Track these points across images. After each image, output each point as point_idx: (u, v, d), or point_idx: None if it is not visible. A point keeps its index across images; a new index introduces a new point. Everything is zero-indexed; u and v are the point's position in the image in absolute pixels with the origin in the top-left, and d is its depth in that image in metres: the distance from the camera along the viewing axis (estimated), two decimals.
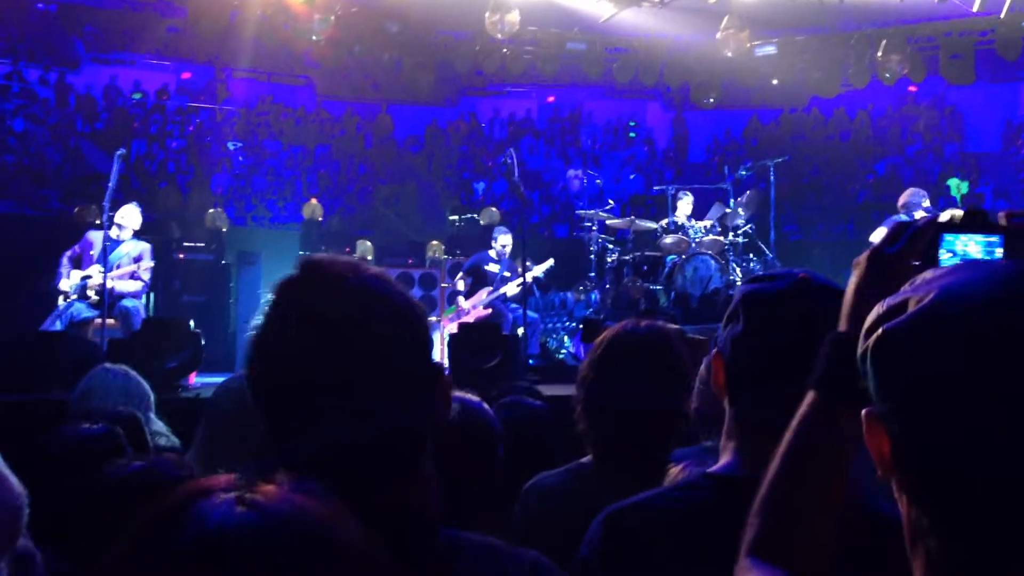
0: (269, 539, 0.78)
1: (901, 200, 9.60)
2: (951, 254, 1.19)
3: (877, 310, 0.92)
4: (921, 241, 1.19)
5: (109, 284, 7.74)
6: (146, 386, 3.91)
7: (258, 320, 1.29)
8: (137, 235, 8.67)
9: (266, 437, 1.25)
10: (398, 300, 1.28)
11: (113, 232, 8.33)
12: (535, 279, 10.43)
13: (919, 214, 9.33)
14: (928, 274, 0.93)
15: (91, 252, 8.36)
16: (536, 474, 2.55)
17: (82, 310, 8.14)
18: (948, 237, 1.19)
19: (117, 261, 8.28)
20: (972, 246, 1.19)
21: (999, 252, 1.19)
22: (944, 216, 1.22)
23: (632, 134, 20.08)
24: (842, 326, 1.21)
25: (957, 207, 15.88)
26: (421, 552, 1.22)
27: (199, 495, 0.82)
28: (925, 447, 0.84)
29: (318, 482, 0.90)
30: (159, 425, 3.80)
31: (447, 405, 1.33)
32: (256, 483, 0.85)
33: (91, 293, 8.14)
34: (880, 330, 0.88)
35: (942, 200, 15.64)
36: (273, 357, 1.25)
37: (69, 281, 8.23)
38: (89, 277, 8.18)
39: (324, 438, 1.21)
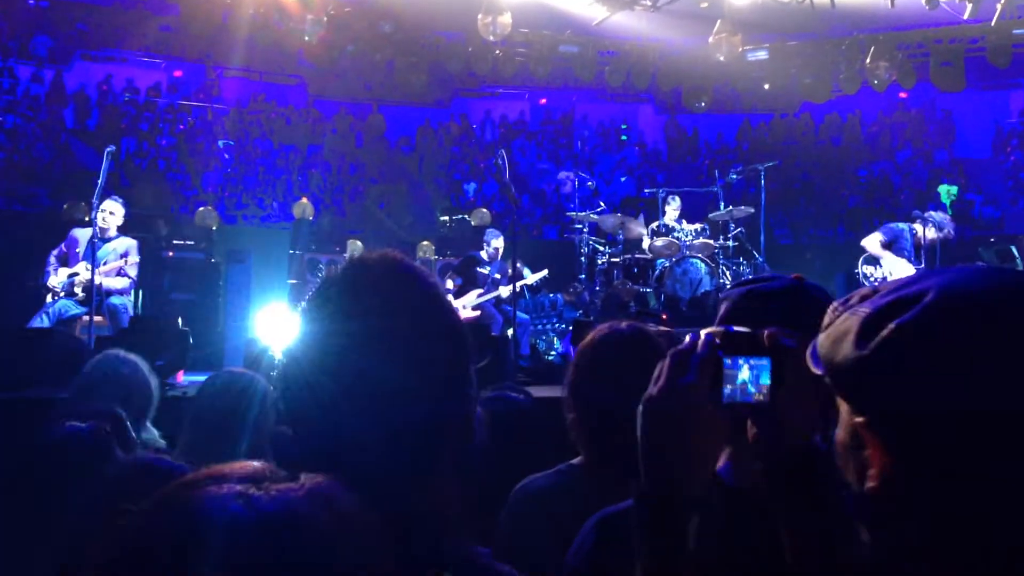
0: (253, 538, 0.79)
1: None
2: (733, 374, 1.19)
3: (857, 317, 0.90)
4: (710, 368, 1.17)
5: (97, 280, 7.71)
6: (147, 382, 3.62)
7: (299, 315, 1.27)
8: (122, 231, 8.63)
9: (291, 431, 1.25)
10: (447, 316, 1.28)
11: (100, 220, 8.28)
12: (527, 284, 10.46)
13: (929, 232, 9.28)
14: (894, 281, 0.92)
15: (76, 250, 8.32)
16: (518, 468, 2.56)
17: (69, 307, 8.11)
18: (727, 360, 1.19)
19: (104, 258, 8.24)
20: (746, 369, 1.20)
21: (768, 373, 1.21)
22: (712, 330, 1.21)
23: (624, 137, 20.11)
24: (646, 485, 1.17)
25: (947, 213, 15.96)
26: (434, 559, 1.21)
27: (211, 482, 0.84)
28: (943, 448, 0.82)
29: (341, 488, 0.90)
30: (151, 433, 3.62)
31: (471, 429, 1.33)
32: (273, 480, 0.86)
33: (78, 290, 8.11)
34: (892, 325, 0.85)
35: (931, 206, 15.71)
36: (306, 364, 1.24)
37: (57, 278, 8.20)
38: (76, 274, 8.14)
39: (347, 449, 1.20)
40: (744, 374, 1.20)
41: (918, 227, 9.29)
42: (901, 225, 9.41)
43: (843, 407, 0.94)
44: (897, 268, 9.06)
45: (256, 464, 0.88)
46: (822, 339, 0.95)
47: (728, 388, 1.19)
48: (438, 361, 1.26)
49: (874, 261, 9.18)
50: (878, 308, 0.88)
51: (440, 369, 1.26)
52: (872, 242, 9.29)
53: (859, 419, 0.89)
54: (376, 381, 1.20)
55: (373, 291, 1.24)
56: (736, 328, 1.24)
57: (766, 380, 1.20)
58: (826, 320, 0.97)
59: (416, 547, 1.19)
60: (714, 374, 1.18)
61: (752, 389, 1.20)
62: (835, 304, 0.96)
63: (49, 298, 8.22)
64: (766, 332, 1.22)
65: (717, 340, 1.19)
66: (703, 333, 1.21)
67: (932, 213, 9.54)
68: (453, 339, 1.30)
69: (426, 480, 1.26)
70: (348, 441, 1.20)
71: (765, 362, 1.20)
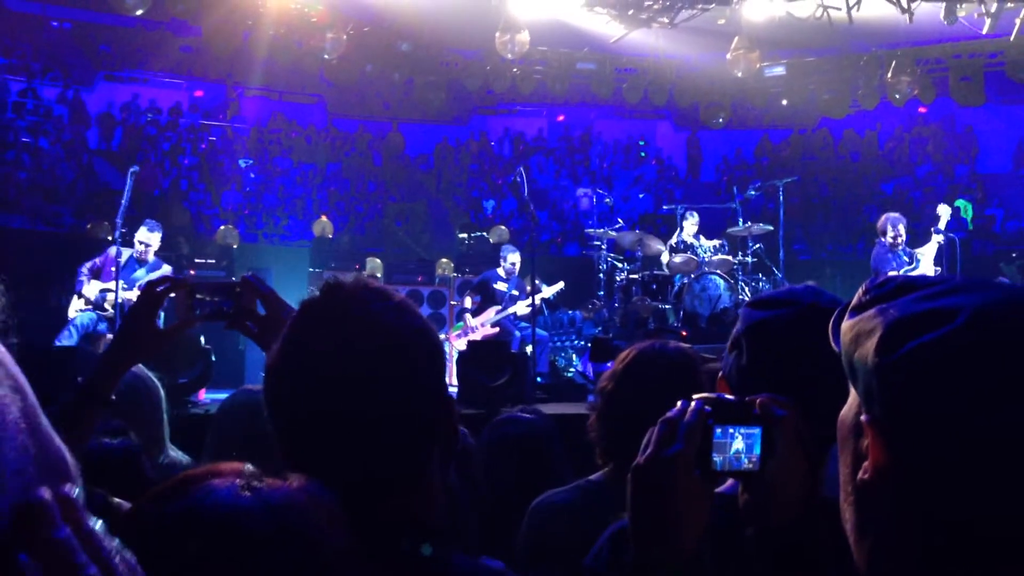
0: (259, 522, 0.86)
1: (879, 224, 9.45)
2: (724, 443, 1.19)
3: (884, 320, 0.87)
4: (697, 436, 1.17)
5: (127, 298, 7.79)
6: (154, 388, 3.41)
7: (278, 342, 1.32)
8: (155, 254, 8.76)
9: (280, 452, 1.28)
10: (411, 332, 1.30)
11: (136, 252, 8.41)
12: (544, 298, 10.45)
13: (889, 236, 9.20)
14: (930, 281, 0.89)
15: (111, 269, 8.41)
16: (532, 484, 2.57)
17: (94, 321, 8.22)
18: (718, 429, 1.18)
19: (139, 280, 8.32)
20: (739, 438, 1.20)
21: (759, 442, 1.20)
22: (703, 397, 1.20)
23: (643, 153, 20.14)
24: (634, 552, 1.18)
25: (967, 228, 15.87)
26: (413, 549, 1.24)
27: (213, 475, 0.91)
28: (950, 463, 0.80)
29: (324, 488, 0.96)
30: (176, 453, 3.52)
31: (455, 430, 1.36)
32: (267, 476, 0.93)
33: (108, 306, 8.20)
34: (917, 341, 0.82)
35: (951, 222, 15.61)
36: (290, 381, 1.29)
37: (90, 288, 8.31)
38: (109, 290, 8.23)
39: (333, 460, 1.24)
40: (735, 443, 1.20)
41: (887, 237, 9.21)
42: (881, 253, 9.28)
43: (854, 391, 0.93)
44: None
45: (245, 465, 0.95)
46: (846, 327, 0.92)
47: (718, 457, 1.18)
48: (422, 390, 1.29)
49: None
50: (907, 315, 0.85)
51: (425, 396, 1.30)
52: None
53: (864, 416, 0.87)
54: (359, 397, 1.24)
55: (349, 316, 1.28)
56: (727, 396, 1.24)
57: (757, 449, 1.20)
58: (855, 300, 0.94)
59: (402, 548, 1.23)
60: (703, 442, 1.17)
61: (743, 458, 1.20)
62: (867, 285, 0.93)
63: (72, 312, 8.30)
64: (758, 400, 1.22)
65: (707, 408, 1.19)
66: (694, 400, 1.20)
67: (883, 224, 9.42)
68: (431, 370, 1.33)
69: (413, 483, 1.29)
70: (337, 453, 1.24)
71: (756, 430, 1.20)
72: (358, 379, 1.24)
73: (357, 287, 1.31)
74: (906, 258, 9.17)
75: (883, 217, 9.50)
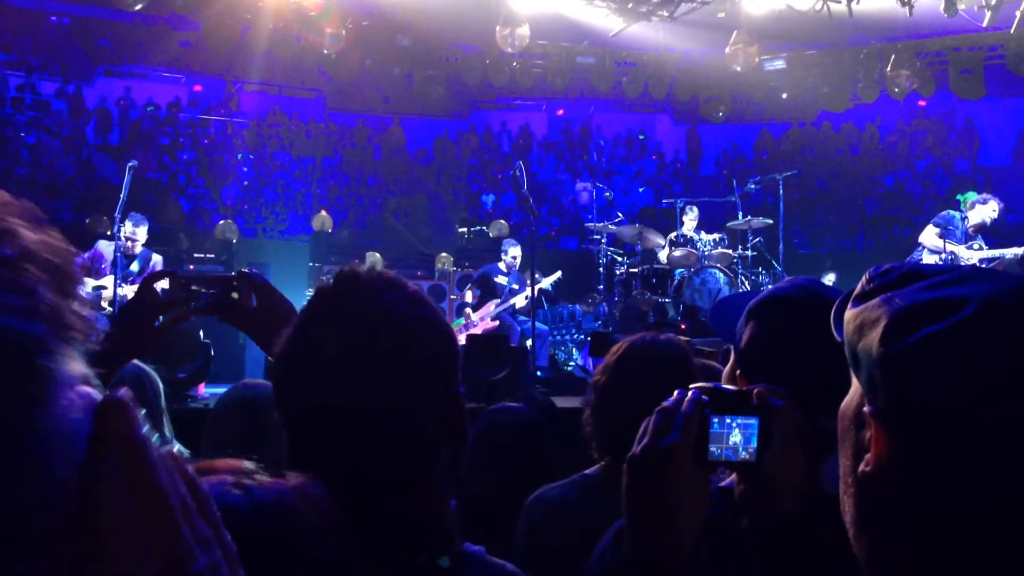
0: (247, 521, 0.84)
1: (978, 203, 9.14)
2: (721, 433, 1.18)
3: (889, 309, 0.85)
4: (693, 427, 1.15)
5: (123, 293, 7.79)
6: (155, 387, 3.44)
7: (289, 331, 1.30)
8: (146, 246, 8.72)
9: (288, 444, 1.27)
10: (422, 324, 1.28)
11: (123, 247, 8.39)
12: (544, 292, 10.44)
13: (979, 213, 8.93)
14: (937, 270, 0.87)
15: (102, 265, 8.40)
16: (527, 470, 2.57)
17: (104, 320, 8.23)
18: (715, 419, 1.17)
19: (131, 276, 8.33)
20: (736, 429, 1.19)
21: (756, 432, 1.19)
22: (700, 386, 1.19)
23: (642, 135, 20.12)
24: (629, 547, 1.16)
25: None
26: (431, 561, 1.23)
27: (208, 472, 0.90)
28: (953, 456, 0.79)
29: (322, 488, 0.94)
30: (177, 447, 3.54)
31: (463, 427, 1.34)
32: (261, 474, 0.91)
33: (105, 304, 8.20)
34: (924, 331, 0.80)
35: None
36: (297, 370, 1.27)
37: (84, 287, 8.30)
38: (104, 288, 8.22)
39: (340, 452, 1.23)
40: (731, 433, 1.18)
41: (971, 213, 9.04)
42: (952, 212, 9.20)
43: (855, 381, 0.91)
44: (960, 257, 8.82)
45: (242, 461, 0.94)
46: (849, 316, 0.90)
47: (715, 448, 1.17)
48: (431, 384, 1.27)
49: (935, 255, 8.86)
50: (913, 305, 0.83)
51: (434, 391, 1.28)
52: (929, 236, 9.05)
53: (867, 407, 0.86)
54: (368, 389, 1.22)
55: (360, 306, 1.26)
56: (725, 386, 1.23)
57: (754, 440, 1.19)
58: (858, 289, 0.92)
59: (407, 545, 1.22)
60: (700, 433, 1.16)
61: (740, 448, 1.19)
62: (870, 273, 0.92)
63: None
64: (755, 391, 1.21)
65: (704, 398, 1.17)
66: (690, 390, 1.19)
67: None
68: (443, 363, 1.31)
69: (420, 479, 1.27)
70: (344, 445, 1.23)
71: (753, 421, 1.19)
72: (365, 370, 1.23)
73: (371, 276, 1.29)
74: (968, 244, 8.82)
75: (992, 197, 9.20)
